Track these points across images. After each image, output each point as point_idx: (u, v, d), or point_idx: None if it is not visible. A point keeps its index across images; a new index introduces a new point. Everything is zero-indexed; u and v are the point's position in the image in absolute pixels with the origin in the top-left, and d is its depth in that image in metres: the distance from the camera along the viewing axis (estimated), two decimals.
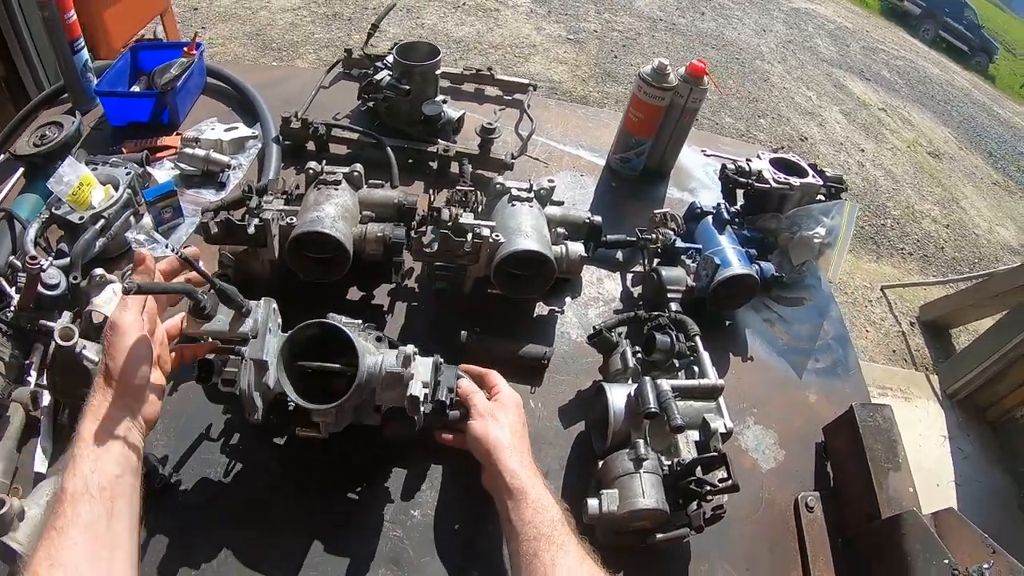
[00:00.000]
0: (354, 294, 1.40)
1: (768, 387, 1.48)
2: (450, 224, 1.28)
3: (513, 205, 1.38)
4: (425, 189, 1.62)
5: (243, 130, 1.72)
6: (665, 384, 1.14)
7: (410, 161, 1.72)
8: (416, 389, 0.98)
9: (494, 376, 1.19)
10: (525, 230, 1.30)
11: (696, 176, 1.98)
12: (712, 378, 1.20)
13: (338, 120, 1.74)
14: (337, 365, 1.02)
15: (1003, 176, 9.01)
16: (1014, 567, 1.08)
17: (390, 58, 1.79)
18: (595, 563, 0.91)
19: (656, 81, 1.69)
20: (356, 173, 1.36)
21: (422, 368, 1.05)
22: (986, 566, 1.05)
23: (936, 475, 3.75)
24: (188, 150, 1.62)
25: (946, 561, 1.08)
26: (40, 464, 1.11)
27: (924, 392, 4.14)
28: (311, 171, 1.36)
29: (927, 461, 3.78)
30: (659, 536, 1.08)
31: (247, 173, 1.66)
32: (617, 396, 1.16)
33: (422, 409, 1.00)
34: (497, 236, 1.27)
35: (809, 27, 11.43)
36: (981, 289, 4.46)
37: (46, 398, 1.17)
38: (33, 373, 1.20)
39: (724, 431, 1.13)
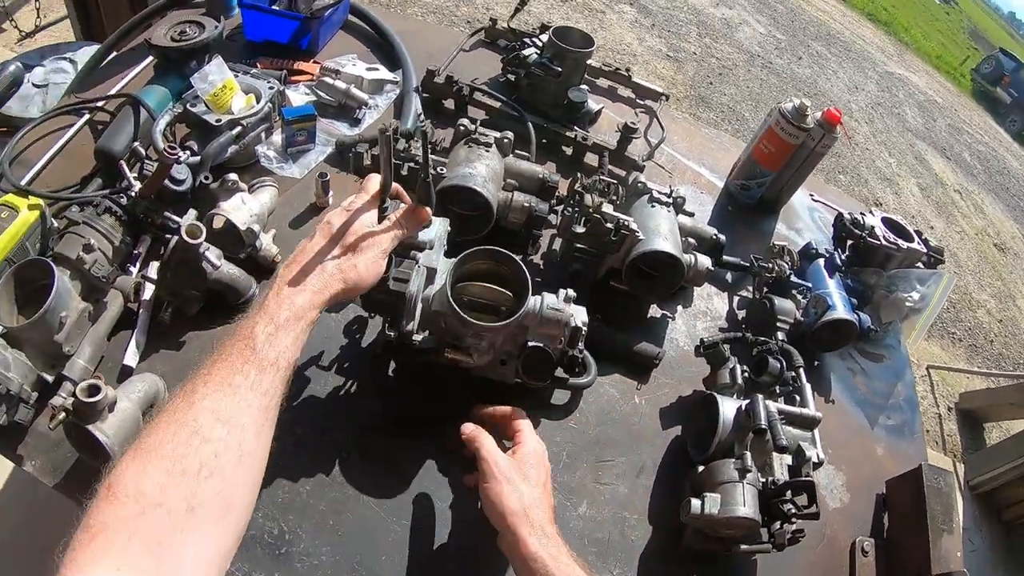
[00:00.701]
0: None
1: (844, 432, 1.54)
2: (592, 211, 1.34)
3: (653, 206, 1.43)
4: (556, 171, 1.68)
5: (384, 73, 1.74)
6: (774, 406, 1.20)
7: (544, 141, 1.75)
8: (580, 320, 1.07)
9: (520, 421, 1.09)
10: (663, 232, 1.35)
11: (803, 217, 2.03)
12: (812, 409, 1.27)
13: (478, 85, 1.76)
14: (504, 290, 1.10)
15: None
16: None
17: (543, 37, 1.83)
18: None
19: (795, 120, 1.74)
20: (507, 140, 1.42)
21: (576, 312, 1.12)
22: None
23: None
24: (328, 80, 1.65)
25: None
26: (131, 358, 1.10)
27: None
28: (462, 128, 1.41)
29: None
30: (744, 547, 1.14)
31: (382, 115, 1.71)
32: (727, 408, 1.23)
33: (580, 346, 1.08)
34: (639, 233, 1.32)
35: (900, 94, 11.34)
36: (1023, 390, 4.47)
37: (148, 291, 1.16)
38: (138, 264, 1.20)
39: (816, 460, 1.20)
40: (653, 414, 1.37)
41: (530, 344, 1.09)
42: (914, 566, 1.33)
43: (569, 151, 1.80)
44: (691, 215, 1.55)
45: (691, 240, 1.45)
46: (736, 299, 1.66)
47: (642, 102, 2.14)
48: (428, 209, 0.99)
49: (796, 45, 10.26)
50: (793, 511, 1.12)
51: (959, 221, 7.81)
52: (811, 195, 2.16)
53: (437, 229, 1.08)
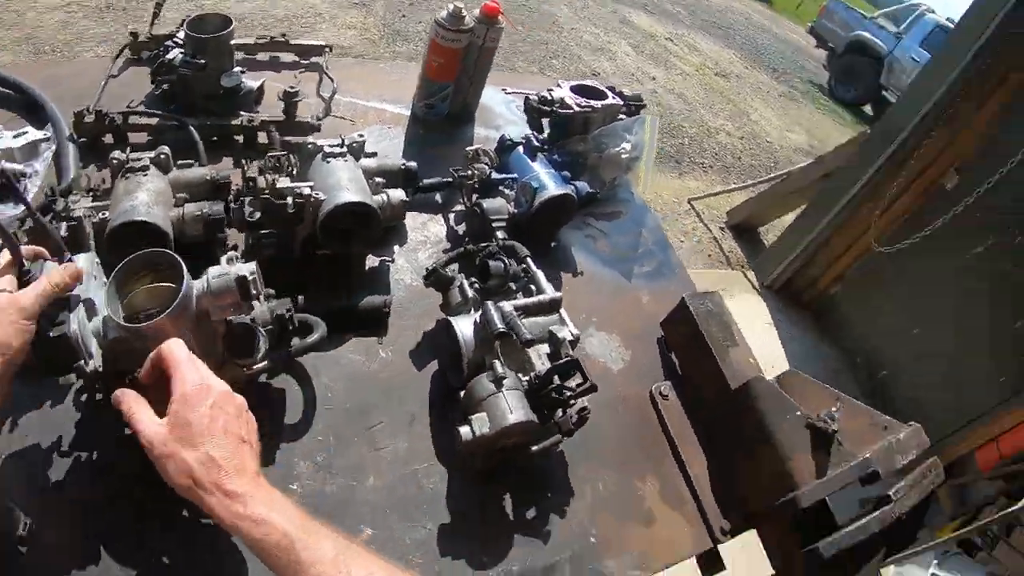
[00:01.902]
0: None
1: (602, 296, 1.58)
2: (267, 191, 1.25)
3: (328, 162, 1.35)
4: (235, 163, 1.56)
5: (33, 133, 1.55)
6: (507, 305, 1.19)
7: (215, 138, 1.64)
8: (247, 271, 0.99)
9: (170, 357, 0.86)
10: (344, 183, 1.28)
11: (500, 113, 2.03)
12: (549, 292, 1.27)
13: (133, 107, 1.62)
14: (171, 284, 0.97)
15: (787, 87, 9.88)
16: (858, 408, 1.24)
17: (181, 35, 1.69)
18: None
19: (453, 25, 1.70)
20: (163, 156, 1.30)
21: (242, 269, 1.01)
22: (834, 409, 1.20)
23: (768, 360, 4.05)
24: None
25: (798, 413, 1.22)
26: None
27: (743, 287, 4.51)
28: (115, 161, 1.28)
29: (757, 348, 4.11)
30: (534, 448, 1.13)
31: (46, 178, 1.51)
32: (464, 326, 1.20)
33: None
34: (318, 194, 1.24)
35: None
36: (780, 188, 4.93)
37: None
38: None
39: (571, 337, 1.20)
40: (404, 361, 1.32)
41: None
42: (715, 388, 1.39)
43: (241, 139, 1.67)
44: (373, 155, 1.49)
45: (379, 180, 1.40)
46: (452, 216, 1.62)
47: (308, 61, 2.03)
48: (67, 254, 0.92)
49: None
50: (569, 394, 1.12)
51: (677, 64, 8.37)
52: (504, 90, 2.16)
53: (82, 263, 0.95)
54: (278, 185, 1.25)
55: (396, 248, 1.52)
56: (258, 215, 1.24)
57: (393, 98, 1.97)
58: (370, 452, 1.17)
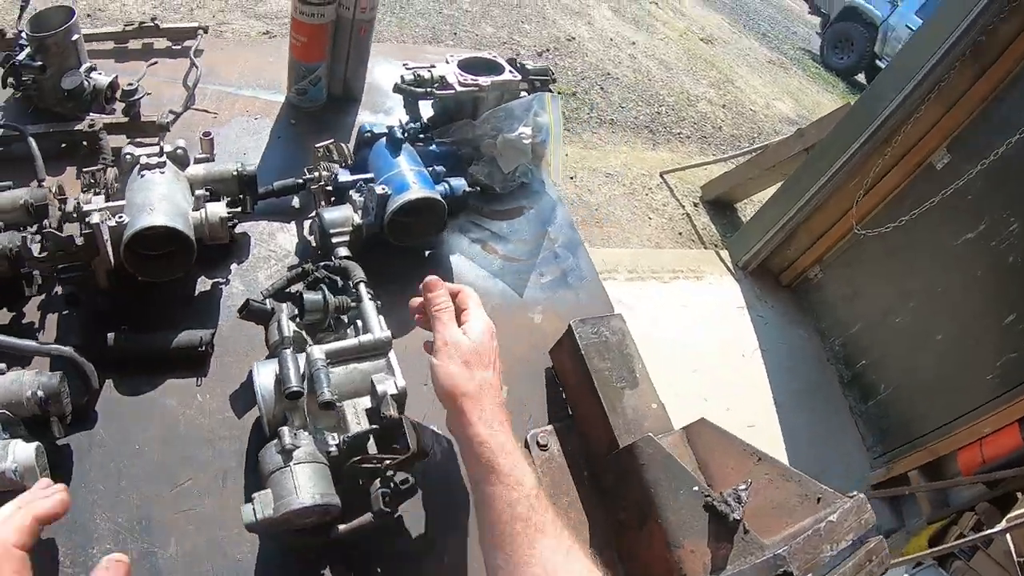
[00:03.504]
0: None
1: None
2: (63, 219, 1.08)
3: (142, 176, 1.16)
4: (77, 175, 1.32)
5: None
6: (317, 351, 0.96)
7: (63, 146, 1.44)
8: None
9: (467, 298, 1.02)
10: (151, 203, 1.08)
11: (393, 95, 1.75)
12: (376, 331, 1.01)
13: None
14: None
15: (777, 54, 9.50)
16: (785, 473, 1.01)
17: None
18: (573, 543, 0.84)
19: None
20: None
21: None
22: (743, 487, 0.95)
23: (739, 345, 3.88)
24: None
25: (695, 488, 0.97)
26: None
27: (716, 268, 4.25)
28: None
29: (727, 333, 3.91)
30: (341, 528, 0.93)
31: None
32: (265, 376, 0.97)
33: None
34: (121, 217, 1.07)
35: None
36: (758, 162, 4.61)
37: None
38: None
39: (395, 391, 0.97)
40: (224, 405, 1.10)
41: None
42: (604, 440, 1.15)
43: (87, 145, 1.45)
44: (208, 160, 1.28)
45: (206, 192, 1.18)
46: (306, 224, 1.36)
47: (179, 47, 1.77)
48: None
49: None
50: (386, 463, 0.92)
51: (660, 29, 7.97)
52: (405, 65, 1.88)
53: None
54: (84, 209, 1.09)
55: (233, 267, 1.29)
56: (44, 251, 1.05)
57: (269, 84, 1.71)
58: (173, 515, 0.98)
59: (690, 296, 4.01)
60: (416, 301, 1.02)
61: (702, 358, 3.64)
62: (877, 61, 9.64)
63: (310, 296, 1.03)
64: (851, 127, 3.60)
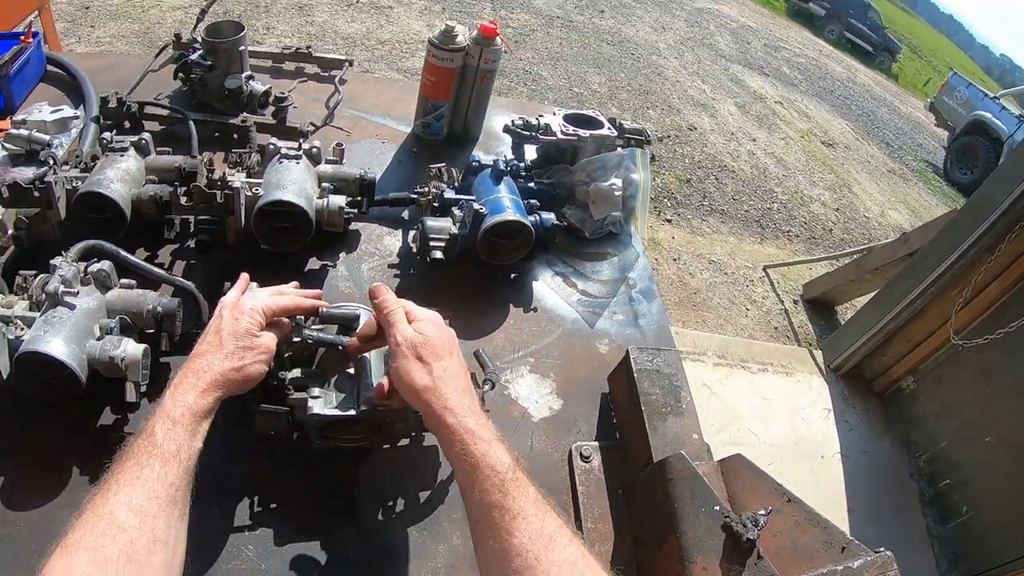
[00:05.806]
0: None
1: (550, 337, 1.44)
2: (217, 182, 1.31)
3: (281, 163, 1.39)
4: (225, 158, 1.58)
5: (67, 111, 1.72)
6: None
7: (216, 134, 1.74)
8: None
9: (401, 302, 1.03)
10: (285, 183, 1.31)
11: (506, 140, 1.94)
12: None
13: (159, 100, 1.76)
14: None
15: (899, 164, 9.34)
16: (813, 518, 1.02)
17: None
18: (561, 525, 0.82)
19: (444, 43, 1.67)
20: (143, 141, 1.42)
21: None
22: (762, 512, 0.96)
23: (820, 446, 3.77)
24: (13, 130, 1.61)
25: (716, 508, 1.00)
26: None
27: (807, 367, 4.17)
28: (104, 142, 1.42)
29: (809, 433, 3.81)
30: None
31: (68, 148, 1.62)
32: None
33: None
34: (257, 190, 1.31)
35: (711, 26, 11.73)
36: (862, 264, 4.52)
37: None
38: None
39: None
40: None
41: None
42: (641, 459, 1.20)
43: (236, 137, 1.75)
44: (336, 163, 1.50)
45: (328, 185, 1.40)
46: (411, 234, 1.54)
47: (326, 74, 2.09)
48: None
49: (598, 0, 10.43)
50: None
51: (782, 128, 8.06)
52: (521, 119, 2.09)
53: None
54: (228, 179, 1.32)
55: (342, 255, 1.50)
56: (187, 201, 1.31)
57: (398, 115, 1.97)
58: None
59: (777, 390, 3.94)
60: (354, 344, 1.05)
61: (779, 452, 3.56)
62: None
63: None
64: (955, 233, 3.52)
